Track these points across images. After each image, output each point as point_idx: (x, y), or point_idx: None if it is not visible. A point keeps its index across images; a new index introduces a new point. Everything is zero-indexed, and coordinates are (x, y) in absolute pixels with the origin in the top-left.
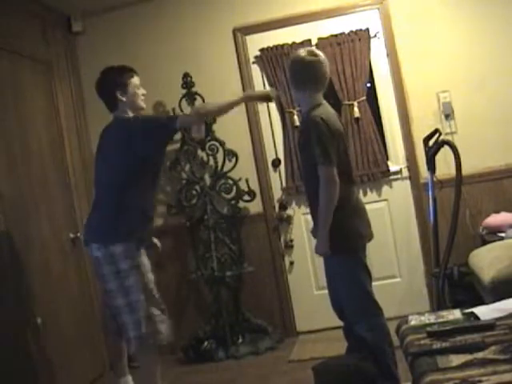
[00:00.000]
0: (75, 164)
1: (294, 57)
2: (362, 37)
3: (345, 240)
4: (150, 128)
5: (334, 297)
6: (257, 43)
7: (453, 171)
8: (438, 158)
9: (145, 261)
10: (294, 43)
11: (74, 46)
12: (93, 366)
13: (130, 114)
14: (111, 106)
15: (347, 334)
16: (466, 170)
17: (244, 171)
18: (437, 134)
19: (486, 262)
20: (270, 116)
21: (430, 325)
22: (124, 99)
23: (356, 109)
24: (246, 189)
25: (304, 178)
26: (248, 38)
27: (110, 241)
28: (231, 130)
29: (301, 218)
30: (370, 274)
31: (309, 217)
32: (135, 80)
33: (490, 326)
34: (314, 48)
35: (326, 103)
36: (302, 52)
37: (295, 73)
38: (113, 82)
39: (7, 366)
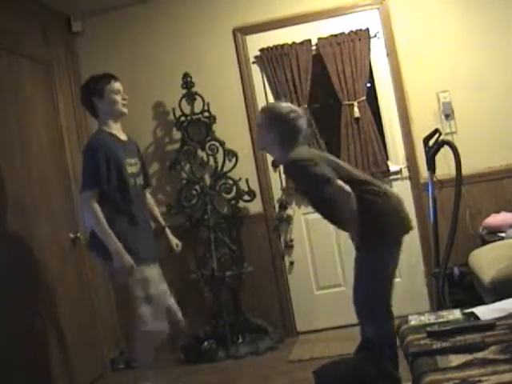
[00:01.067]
0: (75, 164)
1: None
2: (362, 37)
3: (372, 239)
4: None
5: (353, 293)
6: (257, 43)
7: (453, 171)
8: (438, 158)
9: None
10: (293, 43)
11: (74, 46)
12: (93, 366)
13: (111, 124)
14: (93, 114)
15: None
16: (466, 170)
17: (244, 171)
18: (437, 134)
19: (486, 262)
20: None
21: (430, 325)
22: (101, 106)
23: (356, 109)
24: (246, 189)
25: (321, 211)
26: (248, 37)
27: None
28: (231, 130)
29: (301, 218)
30: (391, 276)
31: (309, 217)
32: (113, 86)
33: (489, 325)
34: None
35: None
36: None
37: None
38: (89, 89)
39: (7, 366)
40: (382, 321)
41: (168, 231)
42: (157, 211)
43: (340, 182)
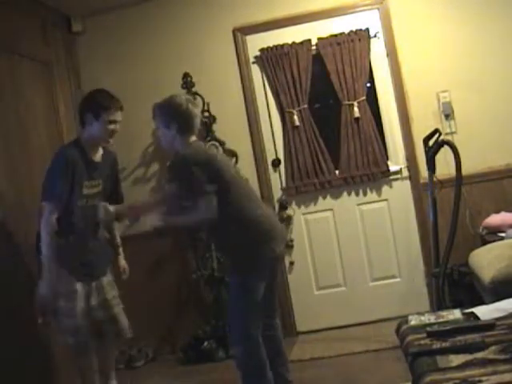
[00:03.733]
0: None
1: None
2: (362, 37)
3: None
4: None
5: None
6: (257, 43)
7: (453, 171)
8: (438, 158)
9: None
10: (293, 43)
11: (74, 45)
12: None
13: (90, 142)
14: (81, 123)
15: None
16: (466, 170)
17: (244, 171)
18: (437, 134)
19: (486, 261)
20: (270, 116)
21: (430, 325)
22: (90, 125)
23: (356, 109)
24: None
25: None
26: (248, 37)
27: None
28: (231, 130)
29: (301, 218)
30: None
31: (309, 217)
32: (113, 114)
33: (489, 325)
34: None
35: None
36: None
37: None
38: (89, 105)
39: (7, 366)
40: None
41: (120, 255)
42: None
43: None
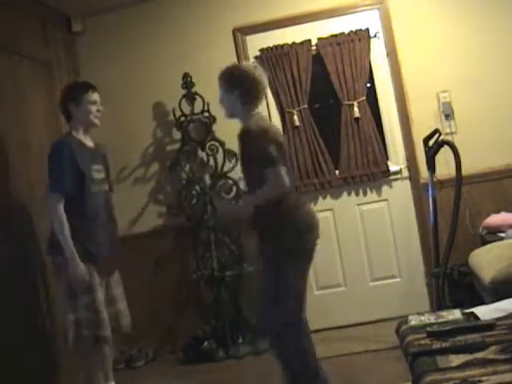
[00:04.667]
0: None
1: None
2: (361, 37)
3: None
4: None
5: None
6: (257, 43)
7: (453, 171)
8: (438, 158)
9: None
10: (293, 43)
11: (74, 45)
12: None
13: (80, 131)
14: (66, 118)
15: None
16: (466, 169)
17: None
18: (437, 134)
19: (486, 262)
20: (270, 116)
21: (430, 325)
22: (75, 113)
23: (356, 109)
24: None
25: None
26: (248, 38)
27: None
28: (231, 130)
29: None
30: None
31: None
32: (90, 96)
33: (489, 325)
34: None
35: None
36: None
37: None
38: (67, 95)
39: (7, 366)
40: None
41: None
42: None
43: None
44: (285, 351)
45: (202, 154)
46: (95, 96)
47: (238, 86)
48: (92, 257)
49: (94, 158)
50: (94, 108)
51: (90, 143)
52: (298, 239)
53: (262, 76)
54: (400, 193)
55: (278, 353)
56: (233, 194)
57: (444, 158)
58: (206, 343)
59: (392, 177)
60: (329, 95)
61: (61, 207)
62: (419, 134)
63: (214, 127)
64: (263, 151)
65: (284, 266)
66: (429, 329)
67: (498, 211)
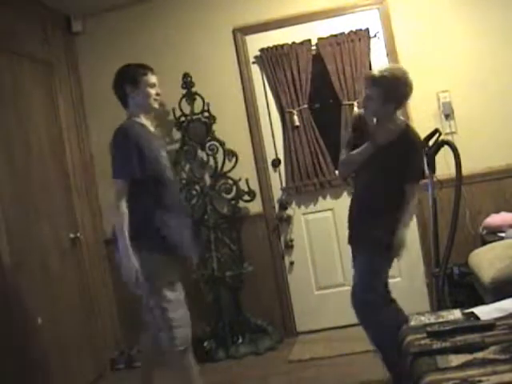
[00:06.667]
0: (75, 164)
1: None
2: (361, 37)
3: (388, 245)
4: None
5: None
6: (257, 43)
7: (453, 171)
8: (438, 158)
9: None
10: (293, 43)
11: (74, 45)
12: (93, 366)
13: (141, 115)
14: (123, 102)
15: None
16: (466, 169)
17: (244, 171)
18: (437, 134)
19: (486, 261)
20: (270, 116)
21: (430, 325)
22: (134, 96)
23: (356, 109)
24: (246, 189)
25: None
26: (248, 38)
27: None
28: (231, 129)
29: (301, 218)
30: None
31: (309, 217)
32: (149, 78)
33: (489, 325)
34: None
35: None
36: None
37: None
38: (124, 77)
39: (7, 366)
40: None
41: None
42: None
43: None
44: None
45: (202, 154)
46: (154, 78)
47: (395, 92)
48: (173, 248)
49: (161, 144)
50: (153, 91)
51: (151, 127)
52: None
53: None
54: None
55: None
56: (233, 193)
57: (444, 158)
58: (205, 343)
59: None
60: (329, 95)
61: (123, 197)
62: (419, 133)
63: (214, 127)
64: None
65: None
66: (429, 329)
67: (497, 211)
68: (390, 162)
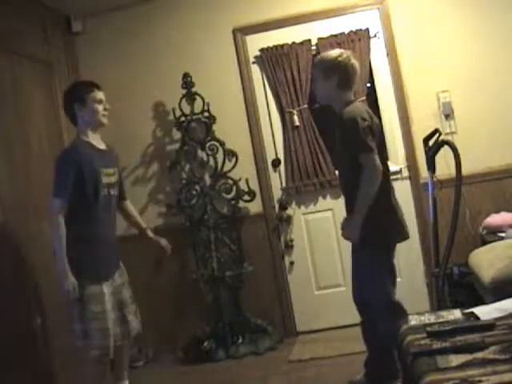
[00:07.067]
0: None
1: (329, 57)
2: (361, 37)
3: (378, 236)
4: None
5: (356, 291)
6: (257, 43)
7: (453, 171)
8: (438, 158)
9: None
10: (293, 43)
11: (74, 45)
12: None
13: (89, 132)
14: (72, 121)
15: (363, 330)
16: (466, 169)
17: (244, 171)
18: (437, 134)
19: (486, 261)
20: (270, 116)
21: (430, 325)
22: (82, 114)
23: None
24: (246, 189)
25: (342, 168)
26: (248, 38)
27: None
28: (231, 130)
29: (301, 218)
30: (395, 275)
31: (309, 217)
32: (96, 94)
33: (489, 325)
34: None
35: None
36: (335, 53)
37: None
38: (72, 96)
39: (7, 367)
40: (389, 316)
41: (150, 232)
42: (137, 217)
43: (376, 158)
44: None
45: (202, 154)
46: (100, 94)
47: (335, 72)
48: (99, 276)
49: (105, 161)
50: (100, 107)
51: (101, 145)
52: None
53: (355, 62)
54: (400, 193)
55: None
56: (233, 193)
57: (444, 158)
58: (205, 343)
59: (392, 177)
60: None
61: (60, 215)
62: (419, 133)
63: (214, 127)
64: (363, 136)
65: None
66: (429, 329)
67: (498, 211)
68: (339, 147)
